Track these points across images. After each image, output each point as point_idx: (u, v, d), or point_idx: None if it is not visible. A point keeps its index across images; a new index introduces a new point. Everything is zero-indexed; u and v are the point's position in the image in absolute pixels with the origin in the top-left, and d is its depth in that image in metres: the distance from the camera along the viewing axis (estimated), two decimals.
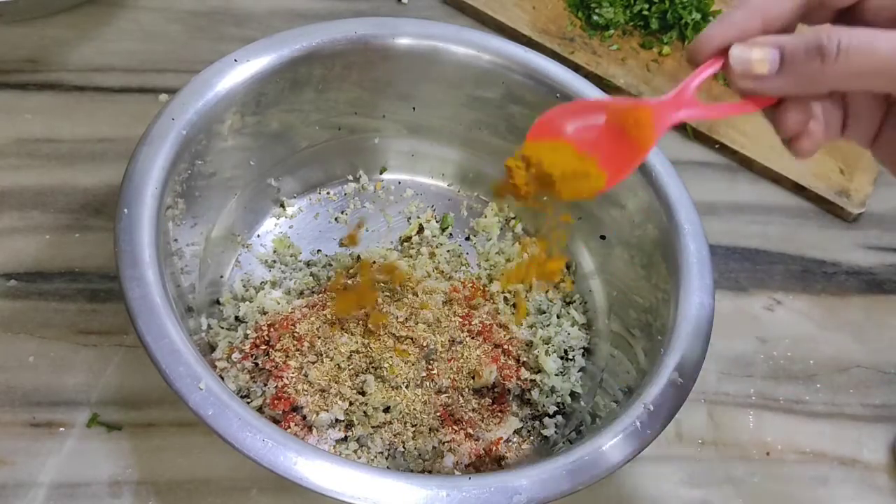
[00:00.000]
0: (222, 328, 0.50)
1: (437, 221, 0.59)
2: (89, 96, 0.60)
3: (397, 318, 0.50)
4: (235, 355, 0.48)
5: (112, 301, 0.51)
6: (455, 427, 0.48)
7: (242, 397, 0.47)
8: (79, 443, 0.46)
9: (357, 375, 0.48)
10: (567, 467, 0.40)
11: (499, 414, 0.50)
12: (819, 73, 0.31)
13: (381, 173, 0.60)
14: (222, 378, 0.46)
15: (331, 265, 0.54)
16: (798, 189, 0.68)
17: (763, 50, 0.32)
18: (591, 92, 0.54)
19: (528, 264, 0.44)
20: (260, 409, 0.46)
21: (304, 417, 0.46)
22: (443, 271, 0.55)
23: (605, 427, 0.42)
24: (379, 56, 0.54)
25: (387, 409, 0.47)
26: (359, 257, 0.55)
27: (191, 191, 0.48)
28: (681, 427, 0.54)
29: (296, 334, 0.48)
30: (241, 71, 0.49)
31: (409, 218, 0.59)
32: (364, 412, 0.47)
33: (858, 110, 0.35)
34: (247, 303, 0.51)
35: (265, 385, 0.47)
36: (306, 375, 0.47)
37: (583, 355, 0.54)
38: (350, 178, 0.59)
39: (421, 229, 0.58)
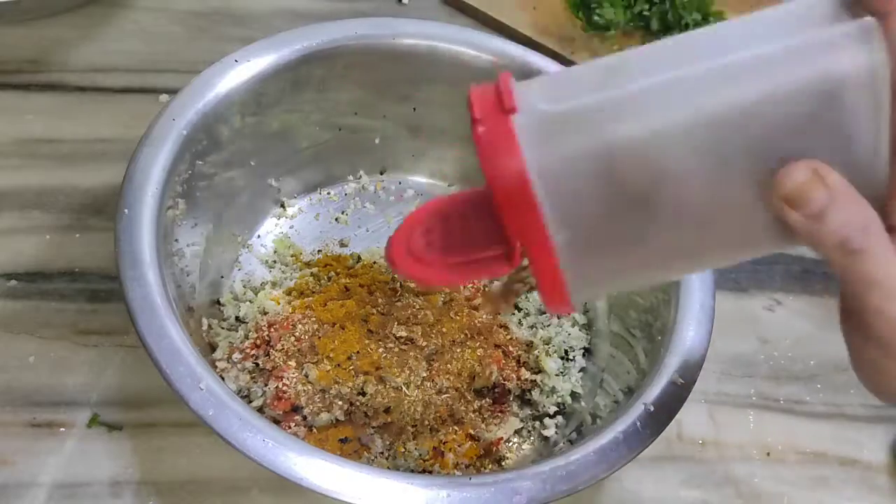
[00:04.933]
0: (223, 328, 0.50)
1: None
2: (90, 97, 0.60)
3: (398, 318, 0.50)
4: (236, 355, 0.48)
5: (113, 301, 0.51)
6: (456, 427, 0.48)
7: (243, 397, 0.47)
8: (79, 443, 0.46)
9: (357, 376, 0.48)
10: (567, 467, 0.40)
11: (499, 414, 0.50)
12: (819, 246, 0.27)
13: (381, 173, 0.60)
14: (223, 378, 0.46)
15: (331, 265, 0.54)
16: None
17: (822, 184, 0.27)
18: None
19: None
20: (260, 410, 0.46)
21: (305, 418, 0.46)
22: None
23: (606, 427, 0.42)
24: (379, 56, 0.54)
25: (387, 410, 0.47)
26: (359, 257, 0.55)
27: (191, 191, 0.48)
28: (681, 427, 0.54)
29: (296, 335, 0.48)
30: (241, 71, 0.49)
31: None
32: (365, 413, 0.47)
33: None
34: (247, 303, 0.51)
35: (266, 385, 0.47)
36: (307, 376, 0.47)
37: (583, 355, 0.54)
38: (350, 178, 0.59)
39: None
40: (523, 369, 0.51)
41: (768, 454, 0.54)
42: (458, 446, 0.48)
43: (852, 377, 0.63)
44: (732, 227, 0.29)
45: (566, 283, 0.29)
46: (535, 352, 0.52)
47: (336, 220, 0.58)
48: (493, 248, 0.31)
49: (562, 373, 0.52)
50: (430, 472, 0.47)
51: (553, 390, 0.51)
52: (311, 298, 0.51)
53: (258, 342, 0.48)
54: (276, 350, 0.48)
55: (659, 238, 0.29)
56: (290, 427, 0.46)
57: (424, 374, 0.49)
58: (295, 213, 0.57)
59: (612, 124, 0.27)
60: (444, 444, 0.48)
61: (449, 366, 0.49)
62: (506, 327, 0.53)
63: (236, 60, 0.50)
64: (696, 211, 0.28)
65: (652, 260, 0.30)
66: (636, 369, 0.49)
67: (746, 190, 0.28)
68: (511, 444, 0.50)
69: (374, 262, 0.54)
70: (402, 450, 0.47)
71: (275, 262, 0.55)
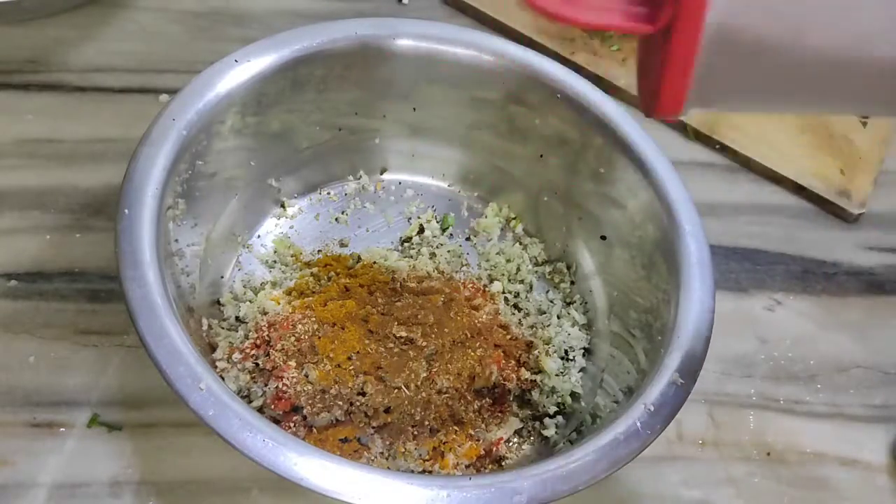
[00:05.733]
0: (223, 328, 0.50)
1: (437, 222, 0.59)
2: (90, 96, 0.60)
3: (398, 319, 0.50)
4: (236, 355, 0.48)
5: (112, 301, 0.51)
6: (456, 427, 0.48)
7: (243, 397, 0.47)
8: (79, 443, 0.47)
9: (357, 376, 0.48)
10: (567, 468, 0.40)
11: (499, 414, 0.50)
12: None
13: (381, 174, 0.60)
14: (223, 378, 0.46)
15: (331, 265, 0.54)
16: (798, 189, 0.68)
17: None
18: (592, 93, 0.54)
19: None
20: (260, 410, 0.46)
21: (305, 418, 0.46)
22: (443, 272, 0.55)
23: (606, 427, 0.42)
24: (379, 56, 0.54)
25: (387, 410, 0.47)
26: (359, 258, 0.55)
27: (191, 191, 0.48)
28: (681, 427, 0.54)
29: (296, 335, 0.48)
30: (241, 71, 0.49)
31: (410, 218, 0.59)
32: (365, 413, 0.47)
33: None
34: (247, 303, 0.51)
35: (266, 385, 0.47)
36: (307, 376, 0.47)
37: (583, 356, 0.54)
38: (351, 178, 0.59)
39: (421, 230, 0.58)
40: (523, 369, 0.51)
41: (768, 454, 0.54)
42: (458, 446, 0.48)
43: (852, 377, 0.63)
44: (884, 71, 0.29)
45: (693, 74, 0.28)
46: (535, 352, 0.52)
47: (336, 220, 0.58)
48: (639, 4, 0.29)
49: (562, 373, 0.52)
50: (430, 472, 0.47)
51: (553, 390, 0.51)
52: (311, 298, 0.51)
53: (258, 342, 0.48)
54: (276, 350, 0.48)
55: (809, 56, 0.28)
56: (290, 427, 0.46)
57: (424, 375, 0.48)
58: (295, 213, 0.57)
59: None
60: (444, 444, 0.48)
61: (449, 366, 0.49)
62: (506, 327, 0.53)
63: (236, 60, 0.50)
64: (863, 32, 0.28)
65: (790, 80, 0.29)
66: (636, 369, 0.49)
67: None
68: (511, 444, 0.50)
69: (374, 263, 0.54)
70: (402, 450, 0.47)
71: (275, 262, 0.55)
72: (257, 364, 0.48)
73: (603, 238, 0.56)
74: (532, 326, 0.54)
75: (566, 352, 0.54)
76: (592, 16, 0.30)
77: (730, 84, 0.30)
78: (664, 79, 0.29)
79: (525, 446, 0.50)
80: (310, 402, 0.46)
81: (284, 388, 0.46)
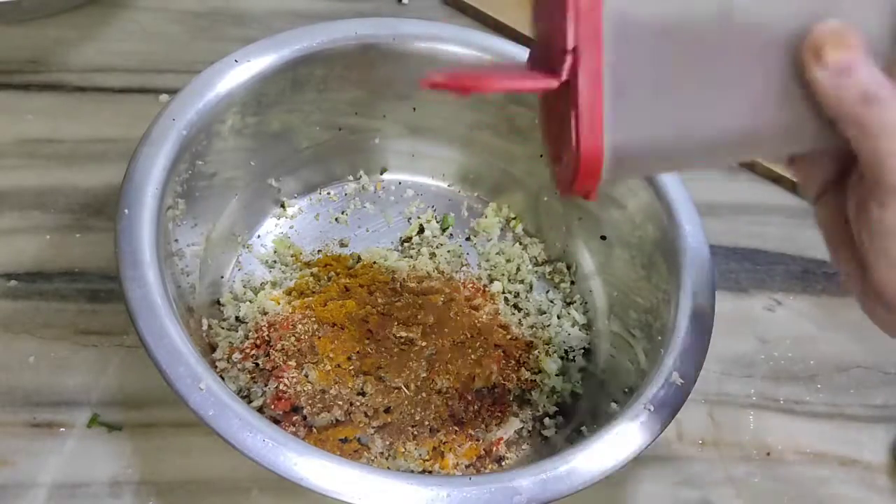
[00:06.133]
0: (223, 328, 0.50)
1: (437, 222, 0.59)
2: (90, 97, 0.60)
3: (398, 319, 0.50)
4: (236, 355, 0.48)
5: (112, 301, 0.51)
6: (455, 427, 0.48)
7: (243, 397, 0.47)
8: (79, 443, 0.47)
9: (357, 376, 0.48)
10: (567, 468, 0.40)
11: (499, 414, 0.50)
12: (847, 104, 0.29)
13: (381, 174, 0.60)
14: (223, 378, 0.46)
15: (331, 265, 0.54)
16: (798, 189, 0.68)
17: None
18: None
19: None
20: (260, 410, 0.46)
21: (305, 418, 0.46)
22: (443, 272, 0.55)
23: (606, 427, 0.42)
24: (379, 56, 0.54)
25: (387, 410, 0.47)
26: (359, 258, 0.55)
27: (191, 191, 0.48)
28: (681, 427, 0.54)
29: (296, 335, 0.48)
30: (241, 71, 0.49)
31: (410, 218, 0.59)
32: (365, 413, 0.47)
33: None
34: (247, 303, 0.51)
35: (266, 385, 0.47)
36: (307, 376, 0.47)
37: (583, 356, 0.54)
38: (351, 178, 0.59)
39: (421, 230, 0.58)
40: (523, 369, 0.51)
41: (768, 454, 0.54)
42: (458, 446, 0.48)
43: (852, 377, 0.63)
44: (767, 103, 0.31)
45: (603, 127, 0.30)
46: (535, 352, 0.52)
47: (336, 220, 0.58)
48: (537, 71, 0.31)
49: (562, 373, 0.52)
50: (430, 472, 0.47)
51: (553, 390, 0.51)
52: (311, 298, 0.51)
53: (258, 342, 0.48)
54: (276, 350, 0.48)
55: (698, 107, 0.30)
56: (290, 427, 0.46)
57: (424, 375, 0.49)
58: (295, 213, 0.57)
59: None
60: (444, 444, 0.48)
61: (449, 366, 0.49)
62: (506, 327, 0.53)
63: (236, 60, 0.50)
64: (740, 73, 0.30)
65: (684, 136, 0.31)
66: (636, 369, 0.49)
67: (784, 59, 0.30)
68: (511, 444, 0.50)
69: (374, 263, 0.54)
70: (402, 450, 0.47)
71: (275, 262, 0.55)
72: (257, 364, 0.48)
73: (603, 238, 0.56)
74: (532, 326, 0.54)
75: (566, 352, 0.54)
76: (498, 83, 0.32)
77: (643, 139, 0.31)
78: (579, 133, 0.30)
79: (525, 446, 0.50)
80: (310, 402, 0.46)
81: (284, 388, 0.46)
